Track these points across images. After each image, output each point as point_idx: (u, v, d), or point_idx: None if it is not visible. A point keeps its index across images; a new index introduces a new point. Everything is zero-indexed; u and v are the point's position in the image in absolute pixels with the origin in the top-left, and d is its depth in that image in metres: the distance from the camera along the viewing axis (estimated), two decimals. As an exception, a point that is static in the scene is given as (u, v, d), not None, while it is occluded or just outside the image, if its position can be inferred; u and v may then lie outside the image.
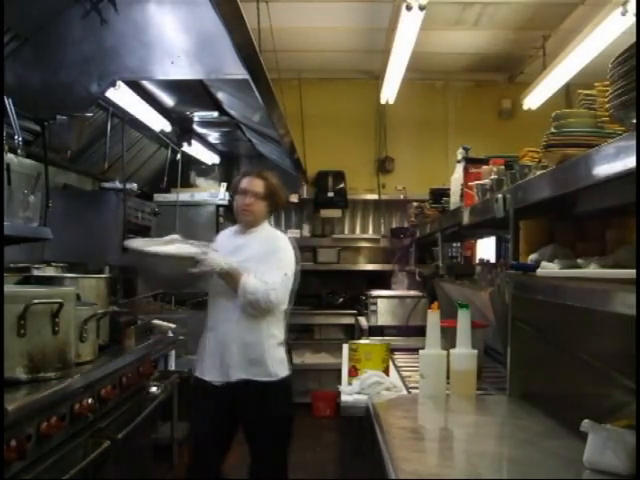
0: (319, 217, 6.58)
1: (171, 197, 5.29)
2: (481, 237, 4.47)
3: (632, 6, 3.59)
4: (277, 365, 2.87)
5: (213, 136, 5.59)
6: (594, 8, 4.27)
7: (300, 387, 5.45)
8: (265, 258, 2.84)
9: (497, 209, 2.13)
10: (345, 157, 6.43)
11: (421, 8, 3.68)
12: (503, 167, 2.52)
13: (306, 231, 6.52)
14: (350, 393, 2.37)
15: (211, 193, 5.42)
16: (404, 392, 2.46)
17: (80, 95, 3.07)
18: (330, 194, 6.38)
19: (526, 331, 2.10)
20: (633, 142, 1.19)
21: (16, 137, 2.66)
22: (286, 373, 2.90)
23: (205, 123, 4.97)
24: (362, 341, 2.92)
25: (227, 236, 3.07)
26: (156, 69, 3.11)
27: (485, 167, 2.76)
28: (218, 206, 5.33)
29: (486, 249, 4.75)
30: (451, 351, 2.29)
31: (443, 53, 5.91)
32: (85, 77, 3.03)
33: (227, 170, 6.40)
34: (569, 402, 1.88)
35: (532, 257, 1.95)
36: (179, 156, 5.29)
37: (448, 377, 2.29)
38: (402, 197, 6.32)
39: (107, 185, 4.06)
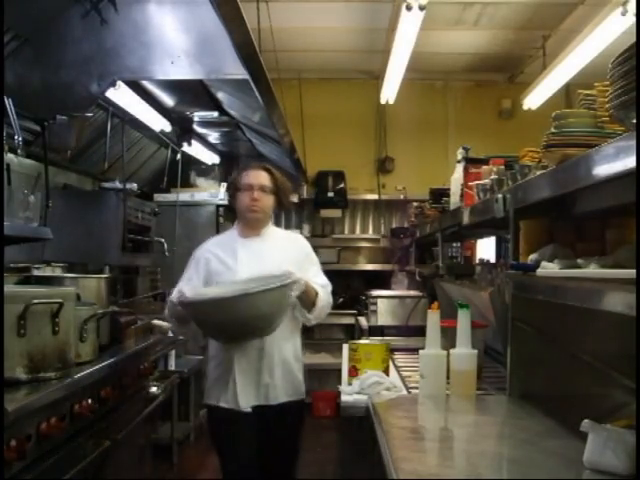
0: (319, 217, 6.59)
1: (171, 197, 5.29)
2: (481, 237, 4.47)
3: (632, 6, 3.59)
4: (304, 381, 2.74)
5: (213, 136, 5.59)
6: (594, 8, 4.27)
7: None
8: (302, 261, 2.63)
9: (497, 209, 2.12)
10: (345, 157, 6.43)
11: (421, 8, 3.68)
12: (503, 167, 2.51)
13: (306, 231, 6.52)
14: (350, 393, 2.37)
15: (211, 193, 5.42)
16: (404, 392, 2.46)
17: (80, 95, 3.07)
18: (330, 194, 6.39)
19: (526, 331, 2.10)
20: (633, 142, 1.19)
21: (16, 137, 2.66)
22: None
23: (205, 123, 4.97)
24: (362, 341, 2.92)
25: (230, 242, 2.69)
26: (156, 69, 3.11)
27: (485, 167, 2.76)
28: (218, 206, 5.33)
29: (486, 249, 4.75)
30: (451, 351, 2.29)
31: (443, 53, 5.91)
32: (85, 77, 3.03)
33: (227, 170, 6.39)
34: (569, 402, 1.88)
35: (532, 257, 1.94)
36: (179, 156, 5.29)
37: (448, 377, 2.29)
38: (402, 197, 6.32)
39: (107, 185, 4.06)
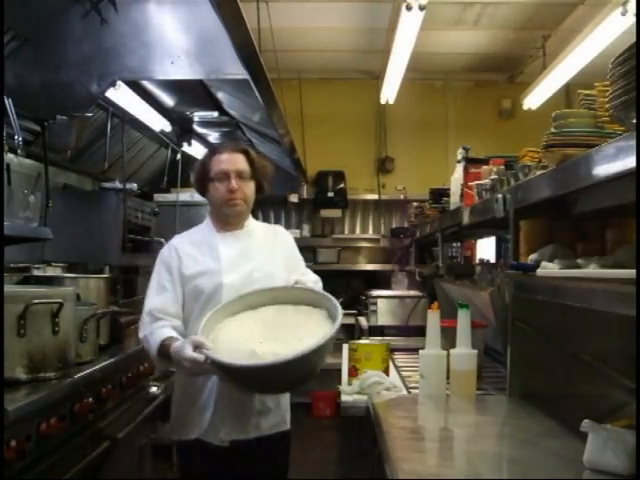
0: (319, 217, 6.58)
1: (171, 197, 5.28)
2: (481, 237, 4.47)
3: (632, 6, 3.59)
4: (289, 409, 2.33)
5: (213, 136, 5.59)
6: (594, 8, 4.27)
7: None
8: (290, 259, 2.34)
9: (497, 209, 2.13)
10: (345, 157, 6.43)
11: (421, 8, 3.68)
12: (503, 167, 2.52)
13: (306, 231, 6.52)
14: (350, 393, 2.37)
15: (211, 193, 5.41)
16: (404, 392, 2.46)
17: (80, 95, 3.07)
18: (330, 194, 6.39)
19: (526, 331, 2.10)
20: (633, 142, 1.19)
21: (16, 137, 2.66)
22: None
23: (205, 123, 4.97)
24: (362, 341, 2.92)
25: (205, 239, 2.26)
26: (156, 69, 3.11)
27: (485, 167, 2.76)
28: (218, 206, 5.32)
29: (486, 249, 4.76)
30: (451, 351, 2.29)
31: (443, 53, 5.91)
32: (85, 77, 3.03)
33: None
34: (569, 402, 1.88)
35: (532, 257, 1.94)
36: (179, 156, 5.28)
37: (448, 377, 2.29)
38: (402, 197, 6.32)
39: (107, 185, 4.06)
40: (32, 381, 2.03)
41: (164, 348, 2.03)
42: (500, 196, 2.12)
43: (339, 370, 2.84)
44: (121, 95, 3.51)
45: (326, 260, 6.29)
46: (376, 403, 2.19)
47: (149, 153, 5.16)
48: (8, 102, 2.59)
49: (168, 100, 4.29)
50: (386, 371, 2.55)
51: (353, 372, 2.53)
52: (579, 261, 1.66)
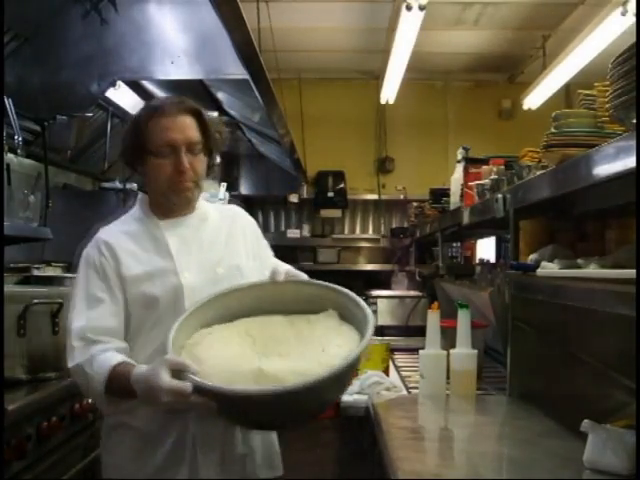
0: (319, 217, 6.58)
1: (171, 197, 5.29)
2: (481, 237, 4.47)
3: (632, 6, 3.59)
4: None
5: (213, 136, 5.59)
6: (594, 8, 4.27)
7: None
8: (258, 248, 1.85)
9: (497, 209, 2.13)
10: (345, 157, 6.42)
11: (421, 8, 3.68)
12: (503, 167, 2.52)
13: (306, 231, 6.52)
14: (350, 393, 2.37)
15: (211, 193, 5.40)
16: (404, 392, 2.46)
17: (80, 95, 3.07)
18: (330, 194, 6.38)
19: (526, 331, 2.10)
20: (633, 142, 1.19)
21: (16, 137, 2.66)
22: None
23: (205, 123, 4.96)
24: (362, 341, 2.91)
25: (145, 229, 1.72)
26: (156, 69, 3.11)
27: (485, 167, 2.76)
28: (218, 206, 5.33)
29: (486, 249, 4.76)
30: (451, 351, 2.29)
31: (443, 53, 5.91)
32: (85, 77, 3.03)
33: (227, 170, 6.40)
34: (569, 402, 1.88)
35: (532, 257, 1.95)
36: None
37: (448, 377, 2.29)
38: (402, 197, 6.31)
39: (107, 185, 4.06)
40: (32, 381, 2.03)
41: (116, 380, 1.48)
42: (500, 196, 2.12)
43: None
44: (121, 95, 3.51)
45: (326, 260, 6.28)
46: (376, 403, 2.19)
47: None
48: (8, 102, 2.59)
49: (168, 100, 4.29)
50: (386, 371, 2.55)
51: (353, 372, 2.53)
52: (579, 261, 1.67)
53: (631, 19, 3.64)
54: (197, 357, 1.43)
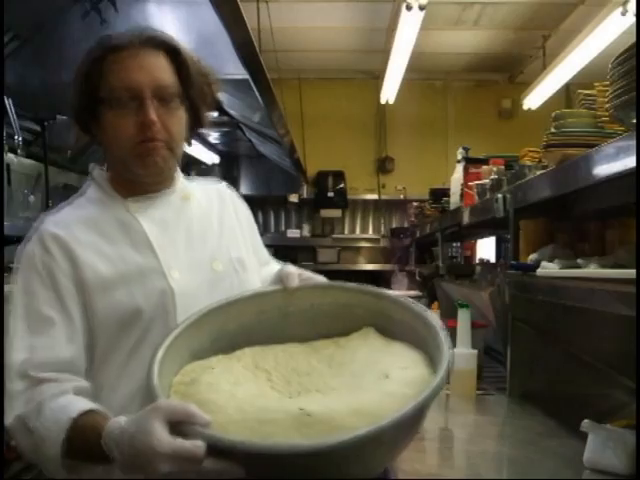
0: (319, 217, 6.58)
1: (171, 197, 5.28)
2: (481, 237, 4.47)
3: (632, 6, 3.59)
4: None
5: (213, 136, 5.59)
6: (594, 8, 4.27)
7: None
8: (254, 236, 1.43)
9: (497, 209, 2.13)
10: (345, 157, 6.43)
11: (421, 8, 3.68)
12: (503, 167, 2.52)
13: (306, 231, 6.52)
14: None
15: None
16: (404, 392, 2.46)
17: (80, 95, 3.06)
18: (330, 194, 6.39)
19: (526, 331, 2.10)
20: (633, 142, 1.19)
21: (16, 137, 2.66)
22: None
23: (205, 123, 4.96)
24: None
25: (111, 216, 1.24)
26: (156, 69, 3.11)
27: (485, 167, 2.76)
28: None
29: (486, 249, 4.76)
30: (451, 351, 2.29)
31: (443, 53, 5.91)
32: (85, 77, 3.03)
33: (227, 170, 6.40)
34: (569, 402, 1.88)
35: (532, 257, 1.94)
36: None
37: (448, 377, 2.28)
38: (402, 197, 6.32)
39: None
40: (32, 381, 2.03)
41: (79, 439, 1.00)
42: (500, 196, 2.12)
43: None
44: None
45: (326, 260, 6.29)
46: (376, 403, 2.18)
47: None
48: (8, 102, 2.59)
49: (168, 100, 4.29)
50: (386, 371, 2.55)
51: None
52: (579, 261, 1.66)
53: (631, 19, 3.64)
54: (200, 402, 0.95)
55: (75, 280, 1.16)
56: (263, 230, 6.68)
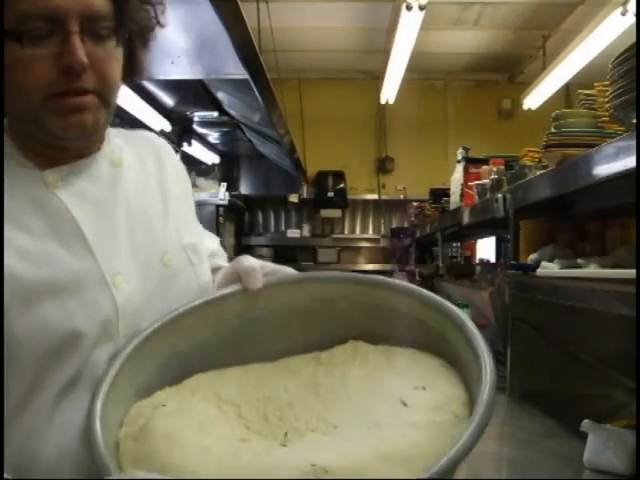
0: (319, 217, 6.59)
1: (171, 197, 5.29)
2: (481, 237, 4.47)
3: (632, 6, 3.59)
4: None
5: (213, 136, 5.59)
6: (594, 8, 4.27)
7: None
8: (192, 208, 1.08)
9: (497, 209, 2.12)
10: (345, 157, 6.43)
11: (421, 8, 3.69)
12: (503, 167, 2.52)
13: (306, 231, 6.53)
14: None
15: (211, 193, 5.42)
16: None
17: (80, 95, 3.06)
18: (330, 194, 6.39)
19: (526, 331, 2.10)
20: (633, 142, 1.19)
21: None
22: None
23: (205, 123, 4.96)
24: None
25: (20, 194, 0.84)
26: (156, 69, 3.10)
27: (485, 167, 2.76)
28: (218, 206, 5.33)
29: (486, 249, 4.76)
30: (451, 351, 2.28)
31: (443, 53, 5.91)
32: (85, 77, 3.03)
33: (227, 170, 6.40)
34: (569, 402, 1.88)
35: (532, 257, 1.94)
36: (179, 156, 5.28)
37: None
38: (402, 197, 6.32)
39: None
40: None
41: None
42: (500, 196, 2.12)
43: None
44: (121, 95, 3.50)
45: (326, 260, 6.29)
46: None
47: (149, 153, 5.16)
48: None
49: (168, 100, 4.29)
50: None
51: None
52: (579, 261, 1.67)
53: (631, 19, 3.64)
54: (163, 467, 0.68)
55: None
56: (263, 230, 6.69)
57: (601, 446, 1.38)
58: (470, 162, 3.00)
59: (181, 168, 1.10)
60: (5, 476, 0.71)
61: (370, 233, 6.72)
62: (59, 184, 0.87)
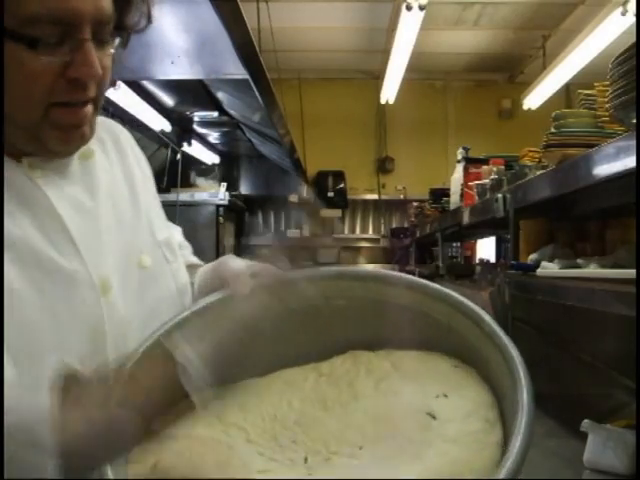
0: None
1: (171, 197, 5.28)
2: (481, 237, 4.47)
3: (632, 6, 3.59)
4: None
5: (213, 136, 5.60)
6: (594, 8, 4.27)
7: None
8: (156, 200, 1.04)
9: (497, 209, 2.12)
10: (345, 157, 6.43)
11: (421, 8, 3.69)
12: (503, 167, 2.52)
13: (306, 231, 6.53)
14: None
15: (211, 193, 5.42)
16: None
17: (80, 95, 3.06)
18: (330, 194, 6.39)
19: (526, 331, 2.10)
20: (633, 142, 1.19)
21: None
22: None
23: (205, 123, 4.97)
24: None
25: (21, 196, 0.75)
26: (156, 69, 3.10)
27: (485, 167, 2.76)
28: (218, 206, 5.34)
29: (486, 249, 4.76)
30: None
31: (443, 53, 5.91)
32: (85, 77, 3.03)
33: (227, 170, 6.40)
34: (569, 402, 1.88)
35: (532, 257, 1.95)
36: (179, 156, 5.28)
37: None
38: (402, 197, 6.33)
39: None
40: (32, 381, 2.03)
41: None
42: (500, 196, 2.12)
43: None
44: (121, 95, 3.51)
45: (326, 260, 6.29)
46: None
47: (149, 153, 5.16)
48: (8, 102, 2.59)
49: (168, 100, 4.29)
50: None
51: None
52: (579, 261, 1.67)
53: (631, 19, 3.64)
54: None
55: None
56: (263, 230, 6.69)
57: (601, 446, 1.38)
58: (470, 162, 3.00)
59: (141, 153, 1.01)
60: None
61: (370, 233, 6.72)
62: (38, 174, 0.78)
